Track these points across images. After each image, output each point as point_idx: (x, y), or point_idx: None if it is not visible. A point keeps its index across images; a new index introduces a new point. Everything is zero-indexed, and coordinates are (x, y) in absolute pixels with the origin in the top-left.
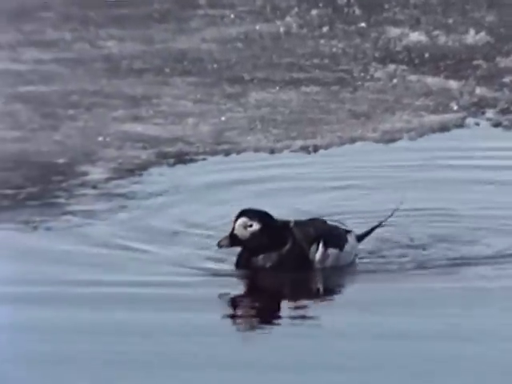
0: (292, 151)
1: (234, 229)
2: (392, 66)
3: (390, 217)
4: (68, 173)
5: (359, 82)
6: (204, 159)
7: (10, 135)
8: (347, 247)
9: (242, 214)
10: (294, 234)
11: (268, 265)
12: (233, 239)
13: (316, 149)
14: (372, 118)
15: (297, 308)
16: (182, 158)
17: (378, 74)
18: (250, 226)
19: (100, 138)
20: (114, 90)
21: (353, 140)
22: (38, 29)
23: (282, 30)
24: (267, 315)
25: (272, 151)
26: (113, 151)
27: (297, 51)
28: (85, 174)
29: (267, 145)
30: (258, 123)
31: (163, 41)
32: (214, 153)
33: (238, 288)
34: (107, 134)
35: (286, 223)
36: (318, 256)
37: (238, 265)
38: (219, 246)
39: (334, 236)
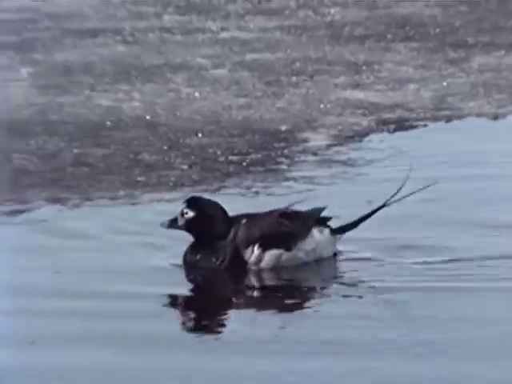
0: None
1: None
2: None
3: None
4: (290, 139)
5: None
6: (425, 125)
7: (236, 102)
8: (303, 246)
9: (186, 200)
10: (237, 232)
11: (203, 262)
12: (171, 223)
13: None
14: None
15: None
16: (402, 125)
17: None
18: (186, 213)
19: (321, 105)
20: (336, 57)
21: None
22: None
23: None
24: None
25: (495, 117)
26: (333, 118)
27: None
28: (306, 140)
29: (490, 110)
30: (480, 88)
31: (386, 6)
32: (435, 119)
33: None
34: (328, 100)
35: (233, 219)
36: (252, 258)
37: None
38: (161, 225)
39: (282, 236)
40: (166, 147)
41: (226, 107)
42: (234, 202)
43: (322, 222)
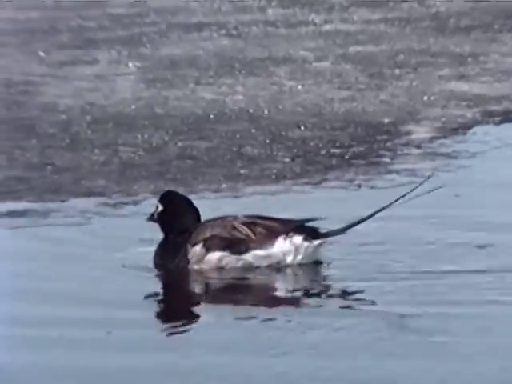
0: None
1: None
2: None
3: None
4: (393, 132)
5: None
6: None
7: (338, 95)
8: (256, 251)
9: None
10: (192, 232)
11: (163, 262)
12: (151, 216)
13: None
14: None
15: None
16: (508, 117)
17: None
18: (157, 207)
19: (425, 97)
20: (441, 49)
21: None
22: None
23: None
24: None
25: None
26: (437, 110)
27: None
28: (409, 133)
29: None
30: None
31: None
32: None
33: None
34: (432, 92)
35: (196, 218)
36: (194, 258)
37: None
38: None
39: (231, 240)
40: (268, 140)
41: (328, 100)
42: (336, 194)
43: (306, 229)
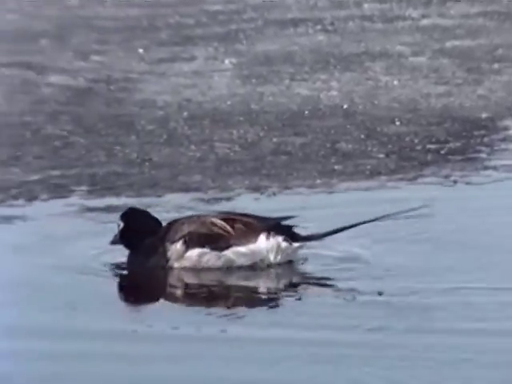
0: None
1: None
2: None
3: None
4: (490, 127)
5: None
6: None
7: (435, 90)
8: (238, 249)
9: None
10: (169, 230)
11: (137, 263)
12: (114, 238)
13: None
14: None
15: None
16: None
17: None
18: (119, 225)
19: None
20: None
21: None
22: None
23: None
24: None
25: None
26: None
27: None
28: (507, 128)
29: None
30: None
31: None
32: None
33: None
34: None
35: (174, 220)
36: (174, 254)
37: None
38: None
39: (211, 236)
40: (363, 136)
41: (424, 95)
42: (431, 191)
43: (285, 229)
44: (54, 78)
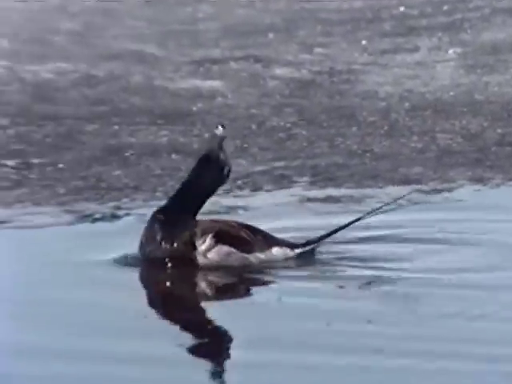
0: None
1: None
2: None
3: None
4: None
5: None
6: None
7: None
8: (258, 255)
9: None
10: (198, 223)
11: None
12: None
13: None
14: None
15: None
16: None
17: None
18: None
19: None
20: None
21: None
22: None
23: None
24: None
25: None
26: None
27: None
28: None
29: None
30: None
31: None
32: None
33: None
34: None
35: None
36: (203, 246)
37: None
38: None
39: (239, 239)
40: None
41: None
42: None
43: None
44: (279, 71)
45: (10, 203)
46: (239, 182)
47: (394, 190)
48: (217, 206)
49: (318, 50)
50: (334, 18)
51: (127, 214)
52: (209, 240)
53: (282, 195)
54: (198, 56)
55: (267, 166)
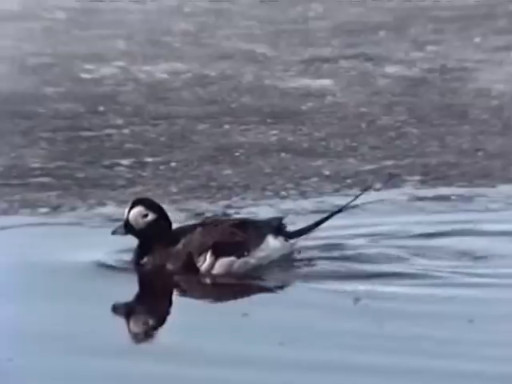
0: None
1: (128, 217)
2: None
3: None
4: None
5: None
6: None
7: None
8: (256, 253)
9: (138, 202)
10: (191, 239)
11: (156, 263)
12: (127, 228)
13: None
14: None
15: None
16: None
17: None
18: (146, 215)
19: None
20: None
21: None
22: None
23: None
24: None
25: None
26: None
27: None
28: None
29: None
30: None
31: None
32: None
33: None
34: None
35: (188, 227)
36: (205, 265)
37: (134, 262)
38: (113, 233)
39: (234, 244)
40: None
41: None
42: None
43: (278, 229)
44: (390, 69)
45: (124, 201)
46: (348, 181)
47: (507, 189)
48: (326, 204)
49: (430, 47)
50: (446, 15)
51: (237, 213)
52: (209, 258)
53: (393, 194)
54: (308, 55)
55: (377, 165)
